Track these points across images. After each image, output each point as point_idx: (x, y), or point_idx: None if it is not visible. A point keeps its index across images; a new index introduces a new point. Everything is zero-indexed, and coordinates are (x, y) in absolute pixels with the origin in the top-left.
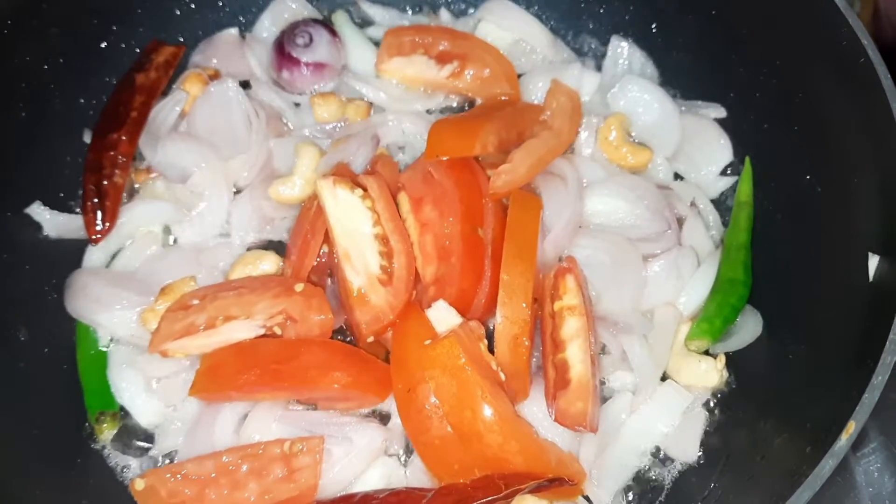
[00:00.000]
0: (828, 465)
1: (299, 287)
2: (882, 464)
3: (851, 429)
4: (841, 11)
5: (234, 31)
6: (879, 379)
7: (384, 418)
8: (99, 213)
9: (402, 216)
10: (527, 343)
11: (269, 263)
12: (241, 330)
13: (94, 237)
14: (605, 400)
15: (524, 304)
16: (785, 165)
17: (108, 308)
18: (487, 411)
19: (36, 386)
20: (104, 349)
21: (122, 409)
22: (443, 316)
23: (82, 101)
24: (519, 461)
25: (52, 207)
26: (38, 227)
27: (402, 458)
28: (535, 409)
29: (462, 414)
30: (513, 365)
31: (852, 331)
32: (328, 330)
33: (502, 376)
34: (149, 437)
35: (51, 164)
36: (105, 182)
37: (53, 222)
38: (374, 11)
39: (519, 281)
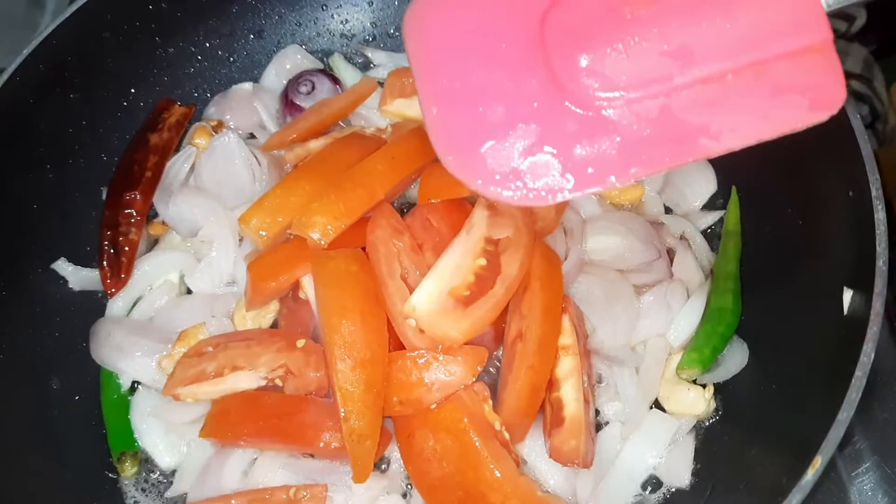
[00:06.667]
0: (795, 499)
1: (301, 343)
2: (875, 483)
3: (817, 464)
4: None
5: (248, 85)
6: (845, 415)
7: (384, 461)
8: (114, 269)
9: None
10: (542, 393)
11: None
12: (246, 380)
13: (109, 291)
14: (599, 427)
15: (551, 357)
16: (768, 198)
17: (129, 355)
18: (489, 472)
19: (67, 430)
20: (126, 393)
21: (143, 450)
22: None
23: (104, 158)
24: None
25: (79, 261)
26: (64, 280)
27: (406, 492)
28: (530, 442)
29: (465, 474)
30: (527, 413)
31: (830, 364)
32: (324, 386)
33: (506, 435)
34: (168, 477)
35: (76, 220)
36: (121, 238)
37: (77, 276)
38: (377, 56)
39: (551, 337)
